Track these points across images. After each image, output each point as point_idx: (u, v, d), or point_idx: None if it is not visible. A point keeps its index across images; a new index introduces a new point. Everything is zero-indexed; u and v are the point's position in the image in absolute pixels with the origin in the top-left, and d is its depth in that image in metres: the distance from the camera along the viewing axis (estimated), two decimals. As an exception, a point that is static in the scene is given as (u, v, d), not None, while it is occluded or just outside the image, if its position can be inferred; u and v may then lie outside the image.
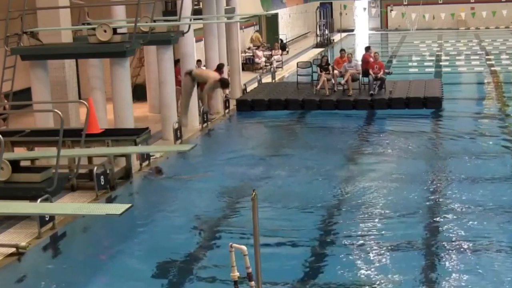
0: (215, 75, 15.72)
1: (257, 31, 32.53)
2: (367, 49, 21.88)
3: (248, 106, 20.01)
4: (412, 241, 9.80)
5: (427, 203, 11.50)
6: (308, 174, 13.44)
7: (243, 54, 27.83)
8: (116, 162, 12.87)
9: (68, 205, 11.08)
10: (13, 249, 9.42)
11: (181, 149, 12.74)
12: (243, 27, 29.38)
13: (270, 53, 29.72)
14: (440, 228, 10.32)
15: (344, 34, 43.31)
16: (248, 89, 22.19)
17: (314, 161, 14.35)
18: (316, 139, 16.74)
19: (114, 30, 13.15)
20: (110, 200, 11.83)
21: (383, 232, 10.19)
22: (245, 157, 14.95)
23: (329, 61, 21.65)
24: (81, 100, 13.34)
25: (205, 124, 17.59)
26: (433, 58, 31.97)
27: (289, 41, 36.99)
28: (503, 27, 44.74)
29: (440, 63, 29.87)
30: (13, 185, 10.41)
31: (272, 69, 26.71)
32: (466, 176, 12.87)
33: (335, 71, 20.69)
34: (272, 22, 35.21)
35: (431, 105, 19.09)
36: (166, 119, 15.85)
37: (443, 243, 9.70)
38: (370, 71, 20.08)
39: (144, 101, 19.79)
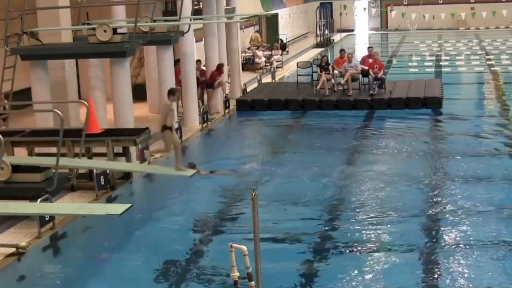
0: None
1: (256, 31, 32.52)
2: (368, 50, 21.86)
3: (248, 106, 19.99)
4: (411, 241, 9.79)
5: (427, 203, 11.49)
6: (308, 174, 13.43)
7: (243, 54, 27.81)
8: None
9: (68, 205, 11.09)
10: (13, 249, 9.42)
11: (183, 175, 12.39)
12: (243, 27, 29.38)
13: (270, 53, 29.70)
14: (439, 228, 10.32)
15: (344, 34, 43.29)
16: (248, 89, 22.18)
17: (314, 161, 14.35)
18: (316, 139, 16.73)
19: (114, 30, 13.15)
20: (110, 200, 11.83)
21: (382, 232, 10.19)
22: (245, 157, 14.94)
23: (329, 61, 21.65)
24: (81, 100, 13.33)
25: (205, 124, 17.58)
26: (433, 58, 31.96)
27: (289, 41, 36.97)
28: (503, 27, 44.72)
29: (440, 63, 29.87)
30: (13, 185, 10.41)
31: (272, 69, 26.69)
32: (466, 176, 12.88)
33: (335, 71, 20.70)
34: (272, 22, 35.20)
35: (431, 105, 19.09)
36: (166, 119, 15.81)
37: (443, 243, 9.71)
38: (370, 71, 20.10)
39: (144, 101, 19.79)
